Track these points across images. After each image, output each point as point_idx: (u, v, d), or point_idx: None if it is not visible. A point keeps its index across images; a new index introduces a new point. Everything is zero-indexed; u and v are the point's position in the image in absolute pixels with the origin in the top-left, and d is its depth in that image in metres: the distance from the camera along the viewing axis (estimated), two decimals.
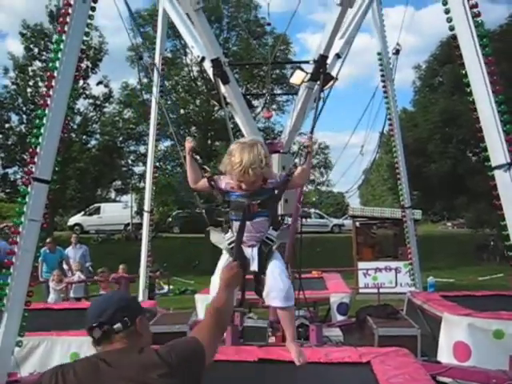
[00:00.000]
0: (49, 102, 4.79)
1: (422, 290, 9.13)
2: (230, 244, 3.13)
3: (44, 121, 4.76)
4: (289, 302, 3.05)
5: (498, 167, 5.03)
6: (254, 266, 3.11)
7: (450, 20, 4.98)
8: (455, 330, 6.18)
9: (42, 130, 4.74)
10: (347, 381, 4.17)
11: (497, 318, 6.08)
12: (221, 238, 3.21)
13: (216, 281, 3.12)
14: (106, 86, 28.40)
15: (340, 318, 8.22)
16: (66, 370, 2.03)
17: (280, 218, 5.99)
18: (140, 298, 8.67)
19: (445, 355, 6.12)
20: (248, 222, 3.08)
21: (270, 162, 3.06)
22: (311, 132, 7.27)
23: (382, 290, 11.84)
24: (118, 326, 2.07)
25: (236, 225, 3.12)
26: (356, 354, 4.50)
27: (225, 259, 3.22)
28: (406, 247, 9.25)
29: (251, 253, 3.11)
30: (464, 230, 36.94)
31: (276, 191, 3.23)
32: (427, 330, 6.93)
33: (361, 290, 14.21)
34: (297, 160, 3.50)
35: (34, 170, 4.65)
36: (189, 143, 3.39)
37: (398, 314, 7.09)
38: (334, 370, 4.31)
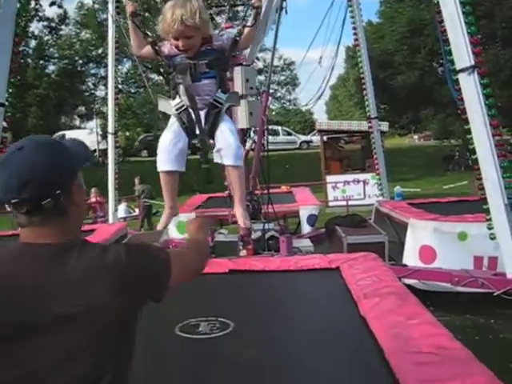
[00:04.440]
0: None
1: (389, 199, 9.30)
2: (178, 109, 3.07)
3: None
4: (238, 161, 3.05)
5: (463, 70, 5.00)
6: (201, 127, 3.09)
7: None
8: (421, 234, 6.36)
9: None
10: (317, 286, 4.27)
11: (461, 220, 6.26)
12: (168, 105, 3.12)
13: (161, 155, 3.08)
14: (60, 6, 27.03)
15: (310, 229, 8.37)
16: None
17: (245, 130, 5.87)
18: (110, 221, 8.67)
19: (411, 259, 6.32)
20: (195, 84, 3.04)
21: (206, 17, 2.96)
22: (274, 44, 7.09)
23: (350, 203, 12.10)
24: (47, 201, 1.39)
25: (183, 88, 3.07)
26: (325, 260, 4.61)
27: (173, 125, 3.16)
28: (373, 159, 9.33)
29: (199, 116, 3.09)
30: (430, 142, 37.49)
31: (225, 52, 3.15)
32: (394, 237, 7.11)
33: (330, 203, 14.43)
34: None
35: None
36: (129, 7, 3.23)
37: (366, 222, 7.24)
38: (304, 276, 4.41)
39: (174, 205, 3.46)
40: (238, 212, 3.19)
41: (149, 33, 3.24)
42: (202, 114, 3.09)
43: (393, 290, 3.68)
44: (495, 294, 5.12)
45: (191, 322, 3.32)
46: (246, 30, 3.22)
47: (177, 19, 2.86)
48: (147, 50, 3.19)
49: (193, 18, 2.88)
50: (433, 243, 6.21)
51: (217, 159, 3.15)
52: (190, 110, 3.08)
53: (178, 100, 3.10)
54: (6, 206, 1.44)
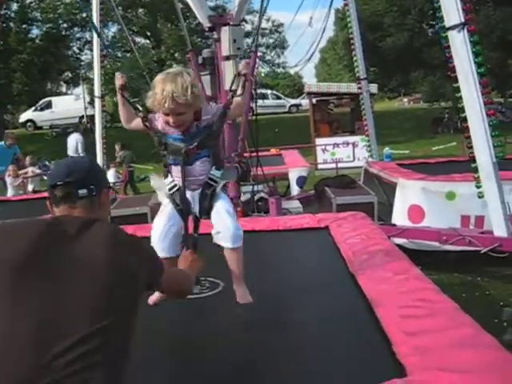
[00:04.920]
0: None
1: (378, 160, 9.31)
2: (170, 189, 2.90)
3: None
4: (236, 243, 2.87)
5: (452, 27, 4.95)
6: (195, 210, 2.90)
7: None
8: (410, 194, 6.38)
9: None
10: (307, 245, 4.31)
11: (449, 180, 6.28)
12: (161, 184, 2.95)
13: (155, 241, 2.92)
14: None
15: (299, 190, 8.38)
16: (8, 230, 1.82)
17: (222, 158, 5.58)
18: None
19: (400, 219, 6.35)
20: (188, 167, 2.85)
21: (199, 92, 2.76)
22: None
23: (340, 165, 12.10)
24: (83, 191, 1.87)
25: (175, 169, 2.90)
26: (314, 219, 4.62)
27: (166, 207, 2.99)
28: (362, 121, 9.30)
29: (193, 196, 2.91)
30: (420, 105, 37.39)
31: (214, 127, 2.93)
32: (383, 198, 7.15)
33: (319, 166, 14.41)
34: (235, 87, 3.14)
35: None
36: (119, 80, 3.05)
37: (355, 183, 7.25)
38: (293, 236, 4.43)
39: None
40: (239, 291, 3.02)
41: (138, 106, 3.05)
42: (197, 193, 2.94)
43: (381, 247, 3.71)
44: (482, 251, 5.17)
45: None
46: (235, 100, 3.02)
47: (167, 96, 2.65)
48: (137, 123, 3.02)
49: (184, 94, 2.66)
50: (421, 203, 6.24)
51: (215, 240, 3.01)
52: (184, 190, 2.93)
53: (170, 179, 2.94)
54: (50, 193, 1.90)
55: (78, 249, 1.70)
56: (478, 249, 5.24)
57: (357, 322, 2.71)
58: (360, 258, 3.48)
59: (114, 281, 1.67)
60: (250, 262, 3.68)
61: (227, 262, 2.97)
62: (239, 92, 3.04)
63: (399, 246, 5.10)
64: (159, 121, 2.89)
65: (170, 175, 2.94)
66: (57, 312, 1.58)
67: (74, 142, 13.80)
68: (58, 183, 1.86)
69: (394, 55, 24.94)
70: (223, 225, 2.86)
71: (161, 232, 2.93)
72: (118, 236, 1.83)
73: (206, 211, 2.91)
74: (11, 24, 24.45)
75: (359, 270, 3.30)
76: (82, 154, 13.23)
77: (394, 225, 6.01)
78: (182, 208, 2.88)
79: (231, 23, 6.24)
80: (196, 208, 2.92)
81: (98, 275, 1.66)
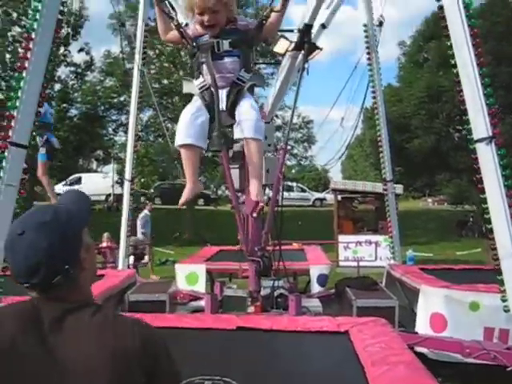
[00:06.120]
0: (26, 65, 4.68)
1: (401, 263, 9.21)
2: (201, 88, 3.11)
3: (21, 84, 4.64)
4: (258, 134, 3.02)
5: (480, 140, 5.04)
6: (222, 106, 3.10)
7: None
8: (432, 302, 6.26)
9: (19, 94, 4.63)
10: (325, 349, 4.20)
11: (473, 290, 6.16)
12: (192, 85, 3.17)
13: (181, 128, 3.09)
14: (88, 53, 27.85)
15: (319, 289, 8.28)
16: None
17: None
18: (120, 267, 8.66)
19: (422, 326, 6.20)
20: (218, 62, 3.06)
21: None
22: (294, 103, 7.18)
23: (361, 264, 11.99)
24: (58, 279, 1.41)
25: (206, 67, 3.10)
26: (334, 323, 4.54)
27: (196, 101, 3.20)
28: (386, 221, 9.29)
29: (221, 95, 3.09)
30: (444, 206, 37.37)
31: (249, 34, 3.14)
32: (405, 302, 7.00)
33: (341, 263, 14.31)
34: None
35: (10, 134, 4.55)
36: None
37: (377, 285, 7.15)
38: (311, 338, 4.34)
39: (195, 180, 3.45)
40: (253, 185, 3.15)
41: (174, 16, 3.25)
42: (224, 92, 3.14)
43: (401, 358, 3.61)
44: (508, 369, 4.97)
45: (195, 380, 3.26)
46: (273, 15, 3.20)
47: None
48: (173, 34, 3.25)
49: None
50: (444, 311, 6.11)
51: (237, 135, 3.18)
52: (213, 89, 3.11)
53: (200, 79, 3.15)
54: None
55: (59, 350, 1.37)
56: (502, 365, 5.04)
57: None
58: (379, 369, 3.38)
59: None
60: (267, 363, 3.61)
61: (248, 156, 3.07)
62: (279, 8, 3.19)
63: (420, 354, 4.95)
64: (191, 28, 3.12)
65: (201, 76, 3.13)
66: None
67: (141, 219, 15.05)
68: (24, 285, 1.44)
69: (421, 157, 25.24)
70: (246, 115, 3.03)
71: (188, 120, 3.12)
72: (110, 334, 1.41)
73: (231, 109, 3.09)
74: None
75: (377, 380, 3.20)
76: (142, 231, 14.84)
77: (416, 333, 5.84)
78: (210, 102, 3.05)
79: (264, 121, 6.44)
80: (223, 103, 3.10)
81: None
